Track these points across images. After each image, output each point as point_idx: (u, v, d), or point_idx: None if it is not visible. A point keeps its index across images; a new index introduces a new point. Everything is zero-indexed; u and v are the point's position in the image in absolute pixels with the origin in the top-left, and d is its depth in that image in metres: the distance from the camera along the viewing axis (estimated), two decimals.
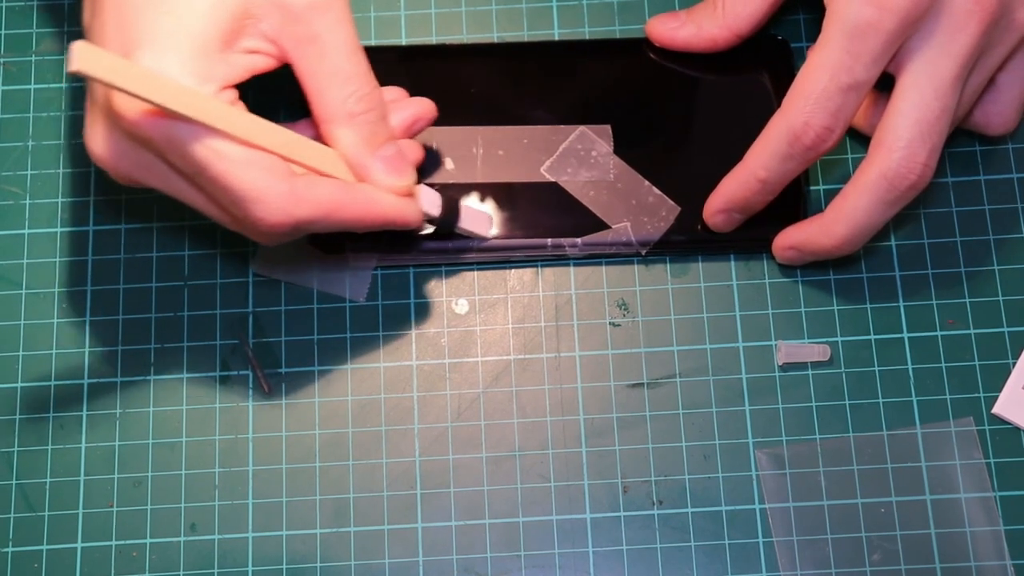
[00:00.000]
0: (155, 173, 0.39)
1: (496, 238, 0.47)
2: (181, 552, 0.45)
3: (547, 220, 0.47)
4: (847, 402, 0.46)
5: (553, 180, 0.47)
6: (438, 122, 0.47)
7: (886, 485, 0.45)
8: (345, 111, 0.40)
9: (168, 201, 0.40)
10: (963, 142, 0.49)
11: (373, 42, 0.50)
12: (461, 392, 0.46)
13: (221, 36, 0.37)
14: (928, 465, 0.45)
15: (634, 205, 0.47)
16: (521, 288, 0.48)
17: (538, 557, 0.45)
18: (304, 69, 0.39)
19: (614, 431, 0.46)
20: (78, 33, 0.39)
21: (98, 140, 0.38)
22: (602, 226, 0.47)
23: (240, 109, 0.38)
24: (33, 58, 0.50)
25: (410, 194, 0.42)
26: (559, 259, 0.47)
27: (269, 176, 0.38)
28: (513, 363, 0.47)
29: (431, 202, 0.44)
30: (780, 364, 0.46)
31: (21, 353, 0.47)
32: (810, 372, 0.46)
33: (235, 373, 0.47)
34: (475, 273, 0.48)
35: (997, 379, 0.46)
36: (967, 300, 0.47)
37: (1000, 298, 0.47)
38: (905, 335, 0.47)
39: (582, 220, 0.47)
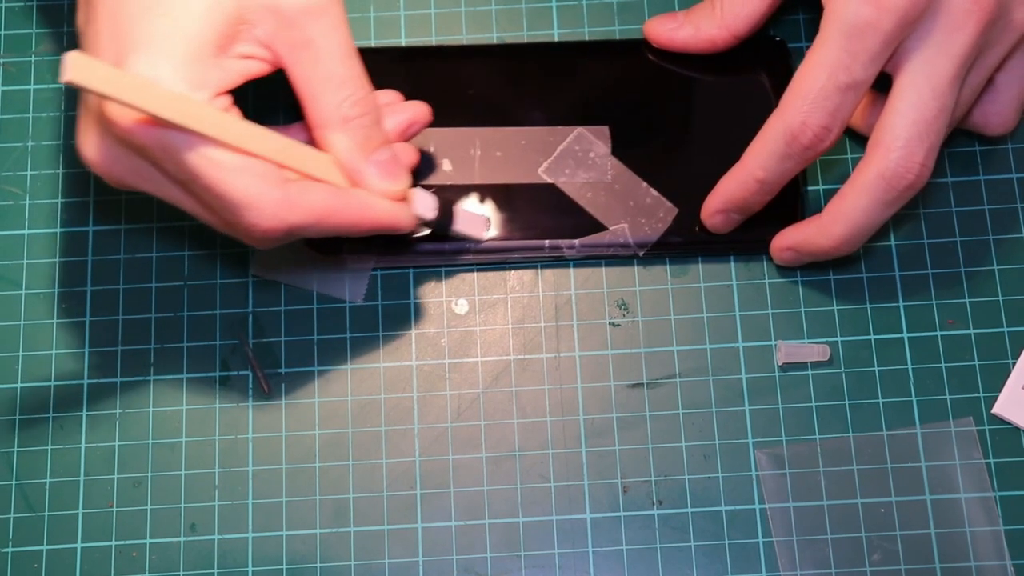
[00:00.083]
0: (148, 179, 0.39)
1: (494, 239, 0.47)
2: (181, 552, 0.45)
3: (545, 221, 0.47)
4: (847, 402, 0.46)
5: (551, 181, 0.47)
6: (436, 123, 0.47)
7: (886, 485, 0.45)
8: (339, 116, 0.39)
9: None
10: (963, 142, 0.49)
11: (373, 42, 0.50)
12: (461, 392, 0.46)
13: (215, 42, 0.37)
14: (928, 465, 0.45)
15: (632, 206, 0.47)
16: (521, 288, 0.48)
17: (538, 557, 0.45)
18: (298, 74, 0.39)
19: (614, 431, 0.46)
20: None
21: (91, 146, 0.38)
22: (600, 227, 0.47)
23: (234, 115, 0.38)
24: (33, 58, 0.50)
25: (404, 198, 0.42)
26: (557, 260, 0.47)
27: (262, 182, 0.38)
28: (513, 363, 0.47)
29: (426, 205, 0.44)
30: (780, 364, 0.46)
31: (21, 353, 0.47)
32: (810, 372, 0.46)
33: (235, 373, 0.47)
34: (475, 273, 0.48)
35: (997, 379, 0.46)
36: (967, 300, 0.47)
37: (1000, 298, 0.47)
38: (905, 335, 0.47)
39: (580, 221, 0.47)
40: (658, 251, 0.47)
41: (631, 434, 0.46)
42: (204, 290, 0.48)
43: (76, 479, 0.46)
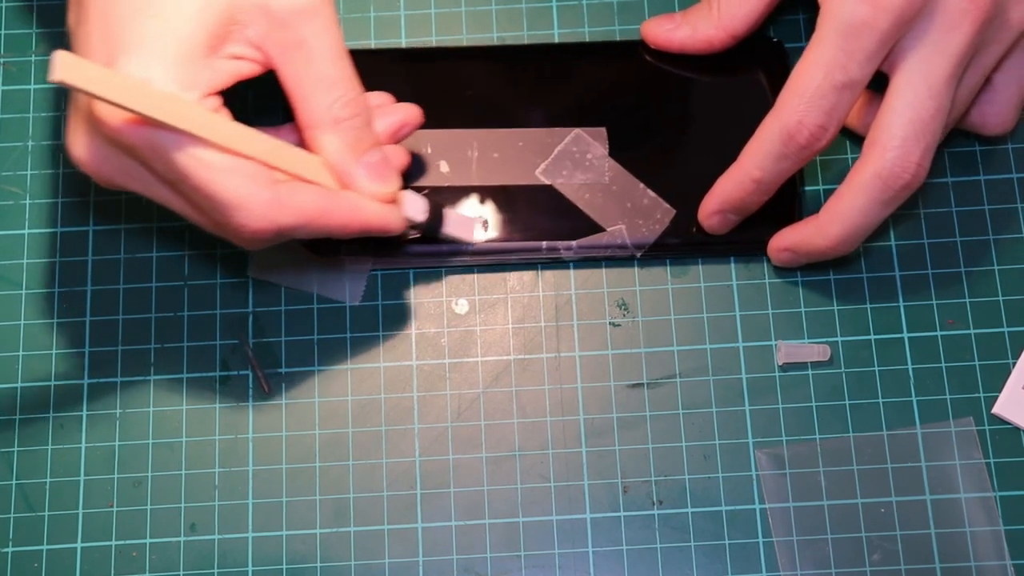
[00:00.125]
0: (137, 179, 0.39)
1: (491, 241, 0.47)
2: (181, 552, 0.45)
3: (542, 223, 0.47)
4: (847, 402, 0.46)
5: (548, 183, 0.47)
6: (434, 125, 0.47)
7: (886, 485, 0.45)
8: (330, 117, 0.39)
9: None
10: (963, 142, 0.49)
11: (373, 43, 0.50)
12: (461, 392, 0.46)
13: (206, 42, 0.37)
14: (928, 465, 0.45)
15: (629, 208, 0.47)
16: (521, 288, 0.48)
17: (538, 557, 0.45)
18: (289, 75, 0.39)
19: (614, 431, 0.46)
20: None
21: (80, 145, 0.38)
22: (597, 229, 0.47)
23: (224, 116, 0.38)
24: (33, 58, 0.50)
25: (394, 200, 0.42)
26: (555, 262, 0.47)
27: (251, 183, 0.38)
28: (513, 363, 0.47)
29: (416, 207, 0.43)
30: (780, 364, 0.46)
31: (21, 353, 0.47)
32: (810, 372, 0.46)
33: (235, 373, 0.47)
34: (475, 274, 0.48)
35: (997, 379, 0.46)
36: (967, 300, 0.47)
37: (1000, 298, 0.47)
38: (905, 335, 0.47)
39: (577, 223, 0.47)
40: (656, 252, 0.47)
41: (631, 434, 0.46)
42: (204, 290, 0.48)
43: (76, 479, 0.46)
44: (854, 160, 0.43)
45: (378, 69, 0.49)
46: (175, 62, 0.36)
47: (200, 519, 0.45)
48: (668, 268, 0.48)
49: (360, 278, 0.47)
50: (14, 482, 0.46)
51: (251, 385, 0.47)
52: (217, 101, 0.38)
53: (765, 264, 0.47)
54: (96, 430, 0.46)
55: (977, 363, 0.46)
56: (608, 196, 0.47)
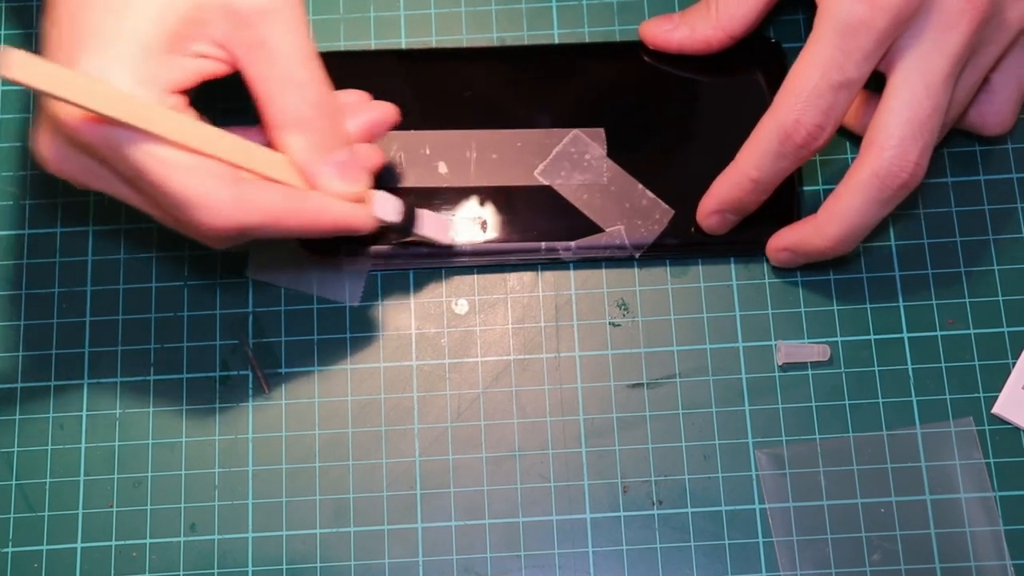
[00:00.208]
0: (99, 177, 0.39)
1: (491, 242, 0.47)
2: (181, 552, 0.45)
3: (541, 224, 0.47)
4: (847, 402, 0.46)
5: (547, 184, 0.47)
6: (432, 125, 0.47)
7: (886, 485, 0.45)
8: (295, 117, 0.39)
9: None
10: (962, 142, 0.49)
11: (373, 43, 0.51)
12: (461, 392, 0.46)
13: (168, 40, 0.37)
14: (928, 465, 0.45)
15: (628, 208, 0.47)
16: (521, 288, 0.48)
17: (538, 557, 0.45)
18: (254, 75, 0.39)
19: (614, 431, 0.46)
20: None
21: (42, 144, 0.38)
22: (596, 229, 0.47)
23: (186, 114, 0.38)
24: None
25: (362, 200, 0.41)
26: (554, 262, 0.47)
27: (213, 182, 0.37)
28: (513, 363, 0.47)
29: (387, 208, 0.43)
30: (780, 364, 0.46)
31: (21, 353, 0.47)
32: (810, 372, 0.46)
33: (235, 373, 0.47)
34: (475, 274, 0.48)
35: (997, 379, 0.46)
36: (967, 300, 0.47)
37: (1000, 298, 0.47)
38: (905, 335, 0.47)
39: (576, 223, 0.47)
40: (654, 253, 0.47)
41: (631, 434, 0.46)
42: (204, 290, 0.48)
43: (76, 479, 0.46)
44: (853, 160, 0.43)
45: (377, 69, 0.49)
46: (134, 60, 0.36)
47: (200, 519, 0.45)
48: (668, 268, 0.48)
49: (360, 278, 0.47)
50: (14, 482, 0.46)
51: (251, 385, 0.47)
52: (180, 99, 0.38)
53: (765, 264, 0.47)
54: (96, 430, 0.46)
55: (977, 363, 0.46)
56: (607, 197, 0.47)
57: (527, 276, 0.48)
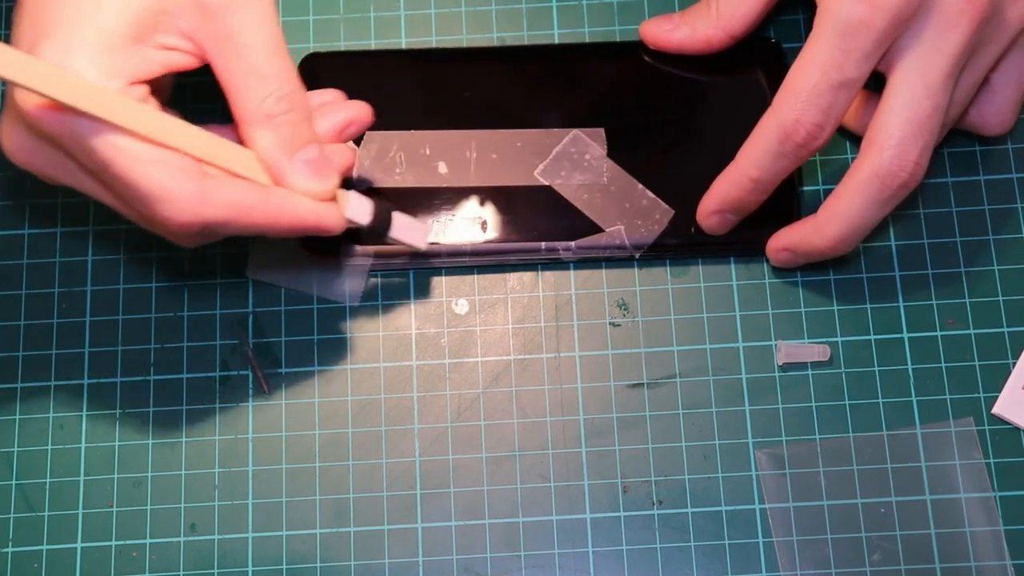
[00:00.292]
0: (66, 171, 0.38)
1: (490, 242, 0.47)
2: (181, 552, 0.45)
3: (541, 224, 0.47)
4: (847, 402, 0.46)
5: (547, 184, 0.47)
6: (432, 125, 0.47)
7: (886, 485, 0.45)
8: (262, 112, 0.39)
9: None
10: (963, 142, 0.49)
11: (373, 43, 0.51)
12: (461, 392, 0.46)
13: (132, 31, 0.37)
14: (928, 465, 0.45)
15: (628, 208, 0.47)
16: (521, 288, 0.48)
17: (538, 557, 0.45)
18: (221, 68, 0.38)
19: (614, 431, 0.46)
20: None
21: (8, 136, 0.38)
22: (596, 229, 0.47)
23: (151, 106, 0.37)
24: None
25: (332, 199, 0.41)
26: (554, 262, 0.47)
27: (176, 175, 0.37)
28: (513, 363, 0.47)
29: (359, 209, 0.42)
30: (780, 364, 0.46)
31: (21, 353, 0.47)
32: (810, 372, 0.46)
33: (235, 373, 0.47)
34: (475, 274, 0.48)
35: (997, 379, 0.46)
36: (967, 300, 0.47)
37: (1000, 298, 0.47)
38: (905, 335, 0.47)
39: (576, 223, 0.47)
40: (654, 253, 0.47)
41: (631, 434, 0.46)
42: (204, 290, 0.48)
43: (76, 479, 0.46)
44: (853, 160, 0.43)
45: (377, 69, 0.49)
46: (97, 49, 0.36)
47: (200, 519, 0.45)
48: (668, 268, 0.48)
49: (360, 278, 0.47)
50: (14, 482, 0.46)
51: (251, 385, 0.47)
52: (143, 90, 0.37)
53: (765, 264, 0.47)
54: (96, 430, 0.46)
55: (977, 363, 0.46)
56: (607, 197, 0.47)
57: (527, 276, 0.48)
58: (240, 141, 0.40)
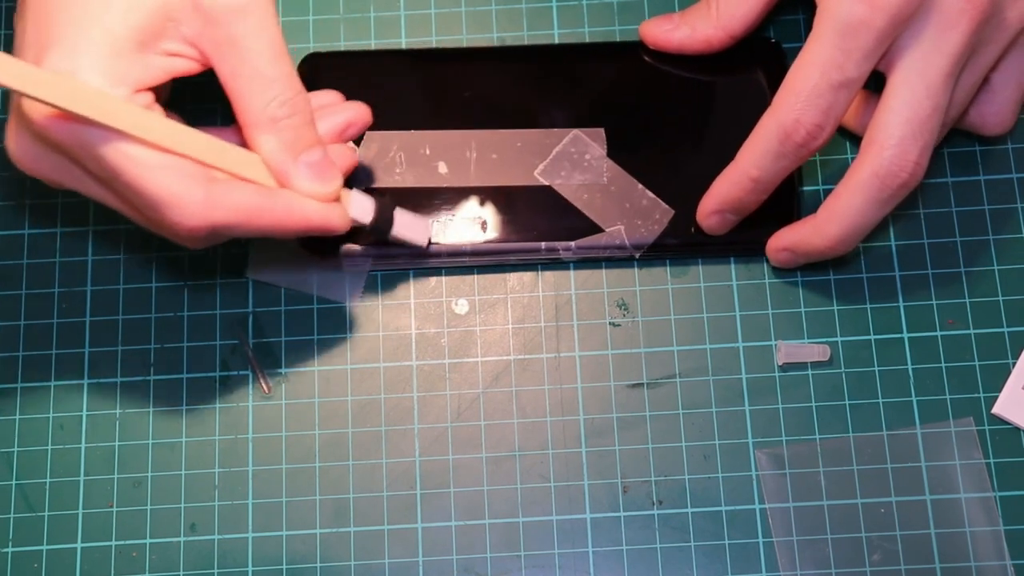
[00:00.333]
0: (72, 176, 0.39)
1: (490, 242, 0.47)
2: (181, 552, 0.45)
3: (541, 224, 0.47)
4: (847, 402, 0.46)
5: (547, 184, 0.47)
6: (432, 126, 0.47)
7: (886, 485, 0.45)
8: (267, 116, 0.39)
9: None
10: (963, 142, 0.49)
11: (373, 43, 0.51)
12: (461, 392, 0.46)
13: (137, 38, 0.37)
14: (928, 465, 0.45)
15: (628, 208, 0.47)
16: (521, 288, 0.48)
17: (538, 557, 0.45)
18: (225, 73, 0.39)
19: (614, 431, 0.46)
20: None
21: (14, 143, 0.38)
22: (596, 229, 0.47)
23: (156, 113, 0.38)
24: None
25: (336, 199, 0.41)
26: (554, 262, 0.48)
27: (184, 180, 0.37)
28: (513, 363, 0.47)
29: (362, 208, 0.43)
30: (780, 364, 0.46)
31: (21, 354, 0.47)
32: (810, 372, 0.46)
33: (235, 373, 0.47)
34: (475, 274, 0.48)
35: (997, 379, 0.46)
36: (967, 300, 0.47)
37: (1000, 298, 0.47)
38: (905, 335, 0.47)
39: (576, 223, 0.47)
40: (654, 253, 0.47)
41: (631, 434, 0.46)
42: (204, 290, 0.48)
43: (76, 479, 0.46)
44: (853, 160, 0.43)
45: (378, 69, 0.49)
46: (103, 57, 0.36)
47: (200, 519, 0.45)
48: (668, 268, 0.48)
49: (360, 278, 0.47)
50: (14, 482, 0.46)
51: (251, 385, 0.47)
52: (149, 97, 0.38)
53: (765, 264, 0.47)
54: (96, 430, 0.46)
55: (977, 363, 0.46)
56: (607, 197, 0.47)
57: (527, 276, 0.48)
58: (242, 144, 0.40)
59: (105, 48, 0.36)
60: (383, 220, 0.44)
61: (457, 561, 0.45)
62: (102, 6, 0.36)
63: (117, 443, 0.46)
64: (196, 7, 0.38)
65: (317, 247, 0.47)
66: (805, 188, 0.48)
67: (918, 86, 0.40)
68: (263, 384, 0.46)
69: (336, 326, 0.47)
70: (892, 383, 0.46)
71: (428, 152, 0.48)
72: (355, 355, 0.47)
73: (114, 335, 0.47)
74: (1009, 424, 0.46)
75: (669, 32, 0.48)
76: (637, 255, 0.47)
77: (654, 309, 0.47)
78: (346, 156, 0.43)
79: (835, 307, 0.47)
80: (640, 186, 0.47)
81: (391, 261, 0.47)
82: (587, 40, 0.50)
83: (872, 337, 0.47)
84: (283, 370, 0.47)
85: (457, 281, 0.48)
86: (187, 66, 0.39)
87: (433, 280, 0.48)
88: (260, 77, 0.39)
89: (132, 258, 0.48)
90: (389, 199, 0.44)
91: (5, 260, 0.48)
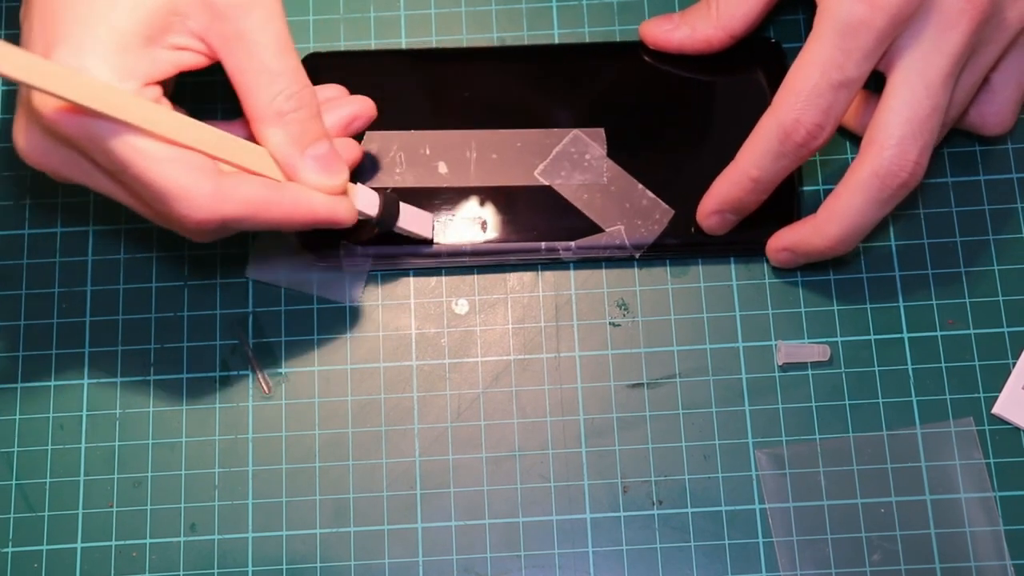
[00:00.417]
0: (81, 170, 0.39)
1: (490, 242, 0.47)
2: (181, 552, 0.45)
3: (541, 224, 0.47)
4: (847, 402, 0.46)
5: (547, 184, 0.47)
6: (432, 125, 0.47)
7: (886, 485, 0.45)
8: (274, 110, 0.39)
9: None
10: (963, 142, 0.49)
11: (373, 43, 0.51)
12: (461, 392, 0.46)
13: (144, 32, 0.37)
14: (928, 465, 0.45)
15: (628, 208, 0.47)
16: (521, 288, 0.48)
17: (538, 557, 0.45)
18: (232, 67, 0.39)
19: (614, 431, 0.46)
20: None
21: (23, 137, 0.38)
22: (596, 229, 0.47)
23: (165, 106, 0.38)
24: None
25: (343, 192, 0.42)
26: (554, 262, 0.48)
27: (193, 173, 0.38)
28: (513, 363, 0.47)
29: (367, 201, 0.43)
30: (780, 364, 0.46)
31: (21, 353, 0.47)
32: (810, 372, 0.46)
33: (235, 373, 0.47)
34: (475, 274, 0.48)
35: (997, 379, 0.46)
36: (967, 300, 0.47)
37: (1000, 298, 0.47)
38: (905, 335, 0.47)
39: (576, 223, 0.47)
40: (654, 253, 0.47)
41: (631, 434, 0.46)
42: (204, 290, 0.48)
43: (76, 479, 0.46)
44: (853, 159, 0.43)
45: (378, 69, 0.49)
46: (111, 51, 0.36)
47: (200, 519, 0.45)
48: (668, 268, 0.48)
49: (360, 278, 0.47)
50: (14, 482, 0.46)
51: (251, 385, 0.47)
52: (157, 91, 0.38)
53: (765, 264, 0.47)
54: (96, 430, 0.46)
55: (977, 363, 0.46)
56: (607, 197, 0.47)
57: (527, 276, 0.48)
58: (249, 138, 0.40)
59: (112, 45, 0.36)
60: (389, 213, 0.44)
61: (457, 561, 0.45)
62: (108, 3, 0.37)
63: (117, 443, 0.46)
64: (203, 2, 0.38)
65: (317, 246, 0.47)
66: (805, 188, 0.48)
67: (918, 86, 0.40)
68: (263, 384, 0.46)
69: (336, 326, 0.47)
70: (892, 383, 0.46)
71: (428, 152, 0.48)
72: (355, 355, 0.47)
73: (114, 335, 0.47)
74: (1009, 424, 0.46)
75: (669, 32, 0.48)
76: (637, 255, 0.47)
77: (654, 309, 0.47)
78: (352, 150, 0.44)
79: (835, 307, 0.47)
80: (640, 186, 0.47)
81: (391, 261, 0.47)
82: (587, 40, 0.50)
83: (872, 337, 0.47)
84: (283, 370, 0.47)
85: (457, 281, 0.48)
86: (194, 60, 0.39)
87: (433, 280, 0.48)
88: (266, 71, 0.39)
89: (132, 258, 0.48)
90: (393, 193, 0.45)
91: (5, 260, 0.48)
